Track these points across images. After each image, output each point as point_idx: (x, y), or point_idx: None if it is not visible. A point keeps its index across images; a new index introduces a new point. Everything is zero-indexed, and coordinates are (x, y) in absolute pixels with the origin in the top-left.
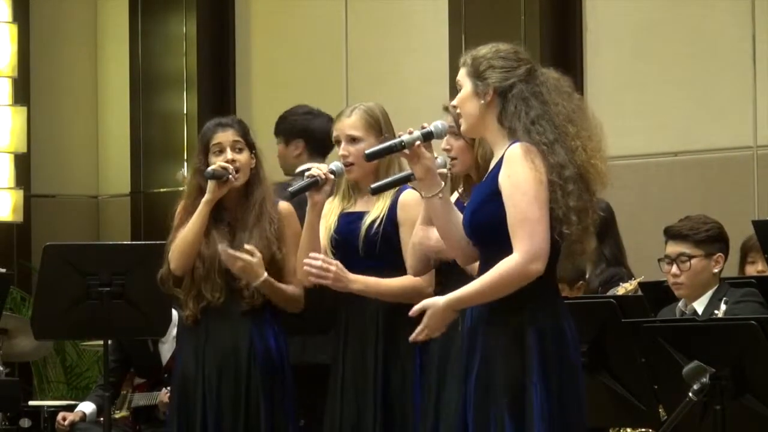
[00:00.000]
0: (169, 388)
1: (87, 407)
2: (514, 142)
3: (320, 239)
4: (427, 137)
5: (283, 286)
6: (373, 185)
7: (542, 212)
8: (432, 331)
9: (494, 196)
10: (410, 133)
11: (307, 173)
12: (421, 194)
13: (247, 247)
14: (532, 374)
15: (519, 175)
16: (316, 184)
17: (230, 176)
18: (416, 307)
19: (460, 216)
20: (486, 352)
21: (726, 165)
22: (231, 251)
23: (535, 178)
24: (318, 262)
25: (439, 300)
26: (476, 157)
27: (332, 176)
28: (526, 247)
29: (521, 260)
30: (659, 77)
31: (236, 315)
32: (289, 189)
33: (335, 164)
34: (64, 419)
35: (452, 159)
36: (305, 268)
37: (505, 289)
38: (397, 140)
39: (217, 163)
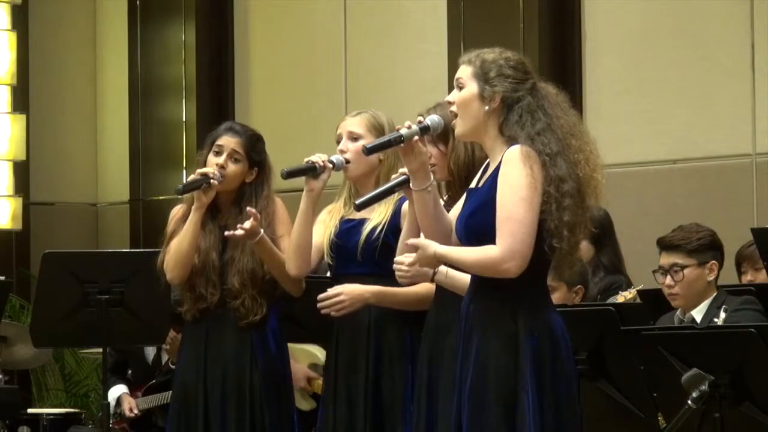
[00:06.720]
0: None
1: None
2: (513, 144)
3: (317, 236)
4: (424, 131)
5: (277, 251)
6: (357, 201)
7: (529, 215)
8: (422, 265)
9: (490, 202)
10: (408, 127)
11: (306, 159)
12: (411, 187)
13: (249, 210)
14: (525, 381)
15: (512, 176)
16: (313, 171)
17: (212, 180)
18: (412, 241)
19: (446, 213)
20: (480, 360)
21: (725, 173)
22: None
23: (529, 183)
24: (328, 301)
25: (431, 246)
26: (449, 164)
27: (330, 165)
28: (505, 245)
29: (497, 255)
30: (658, 85)
31: (236, 323)
32: (285, 169)
33: (336, 156)
34: (131, 410)
35: (432, 166)
36: (323, 311)
37: (478, 271)
38: (396, 134)
39: (197, 171)
